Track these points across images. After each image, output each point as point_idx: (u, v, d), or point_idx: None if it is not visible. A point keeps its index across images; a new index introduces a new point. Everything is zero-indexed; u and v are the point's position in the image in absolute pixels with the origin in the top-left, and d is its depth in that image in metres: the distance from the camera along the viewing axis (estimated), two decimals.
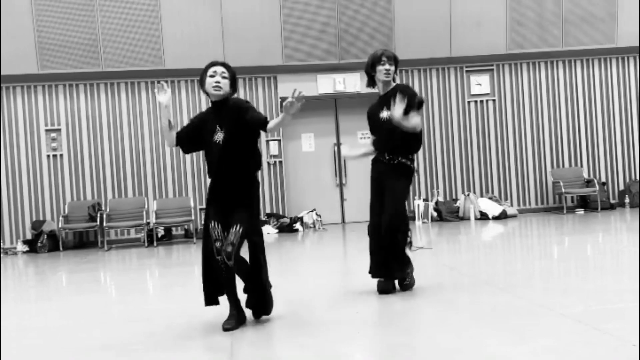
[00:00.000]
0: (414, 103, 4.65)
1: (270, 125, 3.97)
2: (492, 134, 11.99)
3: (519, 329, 3.59)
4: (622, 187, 12.10)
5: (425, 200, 11.46)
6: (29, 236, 10.83)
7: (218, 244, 3.88)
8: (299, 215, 11.32)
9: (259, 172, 4.30)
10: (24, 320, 4.90)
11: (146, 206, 10.92)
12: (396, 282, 4.91)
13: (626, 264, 5.93)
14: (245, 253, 4.01)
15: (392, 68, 4.83)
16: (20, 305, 5.63)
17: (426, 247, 4.62)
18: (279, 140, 11.60)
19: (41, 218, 10.96)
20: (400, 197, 4.76)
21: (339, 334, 3.79)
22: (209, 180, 4.23)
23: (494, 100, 12.02)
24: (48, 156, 11.11)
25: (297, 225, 11.06)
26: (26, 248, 10.53)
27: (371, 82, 4.97)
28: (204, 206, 10.85)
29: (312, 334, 3.80)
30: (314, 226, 11.25)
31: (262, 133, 4.21)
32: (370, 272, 4.91)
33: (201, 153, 4.27)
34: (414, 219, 11.35)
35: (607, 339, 3.27)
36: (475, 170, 11.95)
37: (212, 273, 3.99)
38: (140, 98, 11.33)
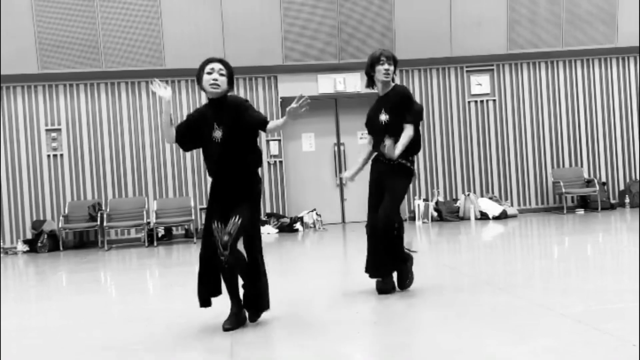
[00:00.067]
0: (409, 119, 4.71)
1: (270, 126, 3.96)
2: (493, 134, 11.99)
3: (519, 329, 3.59)
4: (622, 187, 12.10)
5: (426, 200, 11.46)
6: (29, 236, 10.83)
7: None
8: (299, 215, 11.32)
9: (260, 169, 4.26)
10: (24, 320, 4.90)
11: (146, 206, 10.93)
12: (395, 282, 4.91)
13: (626, 264, 5.93)
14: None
15: (392, 68, 4.83)
16: (20, 305, 5.63)
17: (411, 249, 4.63)
18: (279, 140, 11.59)
19: (41, 218, 10.96)
20: (398, 196, 4.77)
21: (339, 334, 3.79)
22: (209, 180, 4.21)
23: (494, 100, 12.02)
24: (48, 156, 11.11)
25: (297, 225, 11.06)
26: (26, 248, 10.53)
27: (370, 83, 4.97)
28: (204, 206, 10.98)
29: (312, 334, 3.79)
30: (314, 226, 11.25)
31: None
32: (366, 271, 4.91)
33: (201, 153, 4.23)
34: (414, 219, 11.35)
35: (607, 339, 3.27)
36: (475, 170, 11.95)
37: (209, 274, 3.97)
38: (141, 97, 11.33)
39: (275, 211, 11.48)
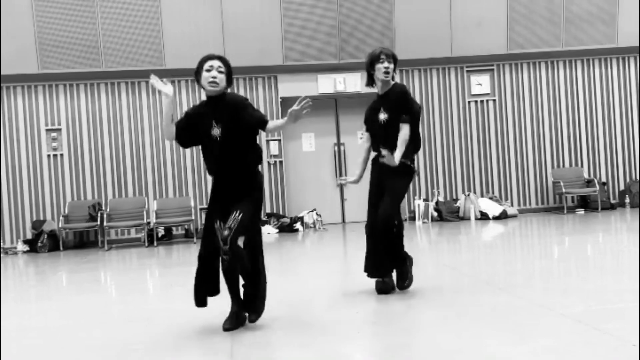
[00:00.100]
0: (406, 119, 4.71)
1: (270, 126, 3.94)
2: (493, 134, 11.99)
3: (519, 329, 3.59)
4: (622, 187, 12.10)
5: (426, 200, 11.46)
6: (29, 236, 10.83)
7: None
8: (299, 215, 11.32)
9: (260, 168, 4.23)
10: (24, 320, 4.90)
11: (146, 206, 10.93)
12: (395, 281, 4.90)
13: (626, 264, 5.93)
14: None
15: (391, 66, 4.82)
16: (20, 305, 5.63)
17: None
18: (279, 140, 11.59)
19: (41, 218, 10.97)
20: (398, 195, 4.76)
21: (339, 334, 3.78)
22: (209, 180, 4.20)
23: (494, 100, 12.01)
24: (48, 156, 11.11)
25: (298, 225, 11.06)
26: (26, 248, 10.53)
27: (371, 81, 4.96)
28: (204, 206, 10.98)
29: (312, 334, 3.79)
30: (314, 226, 11.25)
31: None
32: (365, 271, 4.91)
33: (201, 153, 4.21)
34: (414, 219, 11.35)
35: (607, 339, 3.27)
36: (475, 170, 11.95)
37: (207, 273, 3.94)
38: (141, 97, 11.34)
39: (275, 211, 11.48)
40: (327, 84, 11.54)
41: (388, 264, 4.80)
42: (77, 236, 11.08)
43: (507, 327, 3.68)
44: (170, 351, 3.62)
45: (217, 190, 4.05)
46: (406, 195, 5.22)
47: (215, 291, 4.02)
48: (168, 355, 3.56)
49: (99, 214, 10.58)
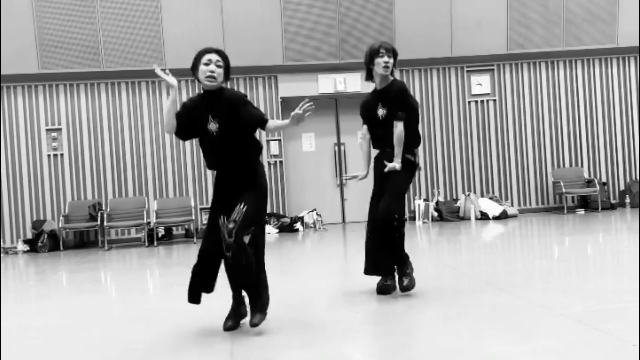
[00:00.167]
0: (401, 116, 4.71)
1: (270, 125, 3.92)
2: (493, 134, 11.99)
3: (519, 329, 3.59)
4: (622, 187, 12.10)
5: (426, 200, 11.46)
6: (29, 236, 10.84)
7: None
8: (300, 215, 11.32)
9: (261, 157, 4.14)
10: (24, 320, 4.90)
11: (147, 206, 10.93)
12: (396, 282, 4.89)
13: (626, 264, 5.93)
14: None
15: (391, 61, 4.79)
16: (20, 305, 5.63)
17: None
18: (279, 140, 11.59)
19: (42, 218, 10.97)
20: (399, 189, 4.71)
21: (339, 334, 3.78)
22: (209, 180, 4.19)
23: (494, 100, 12.01)
24: (49, 156, 11.11)
25: (298, 225, 11.06)
26: (27, 247, 10.54)
27: (370, 76, 4.92)
28: (204, 206, 10.99)
29: (312, 334, 3.79)
30: (315, 226, 11.25)
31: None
32: (365, 272, 4.89)
33: (201, 153, 4.19)
34: (414, 219, 11.35)
35: (607, 339, 3.27)
36: (475, 170, 11.94)
37: (205, 269, 3.89)
38: (141, 98, 11.33)
39: (275, 211, 11.48)
40: (327, 84, 11.54)
41: (388, 262, 4.77)
42: (77, 236, 11.08)
43: (507, 327, 3.68)
44: (170, 351, 3.62)
45: (219, 185, 4.00)
46: (406, 196, 5.20)
47: (209, 288, 3.95)
48: (168, 355, 3.56)
49: (99, 214, 10.58)
